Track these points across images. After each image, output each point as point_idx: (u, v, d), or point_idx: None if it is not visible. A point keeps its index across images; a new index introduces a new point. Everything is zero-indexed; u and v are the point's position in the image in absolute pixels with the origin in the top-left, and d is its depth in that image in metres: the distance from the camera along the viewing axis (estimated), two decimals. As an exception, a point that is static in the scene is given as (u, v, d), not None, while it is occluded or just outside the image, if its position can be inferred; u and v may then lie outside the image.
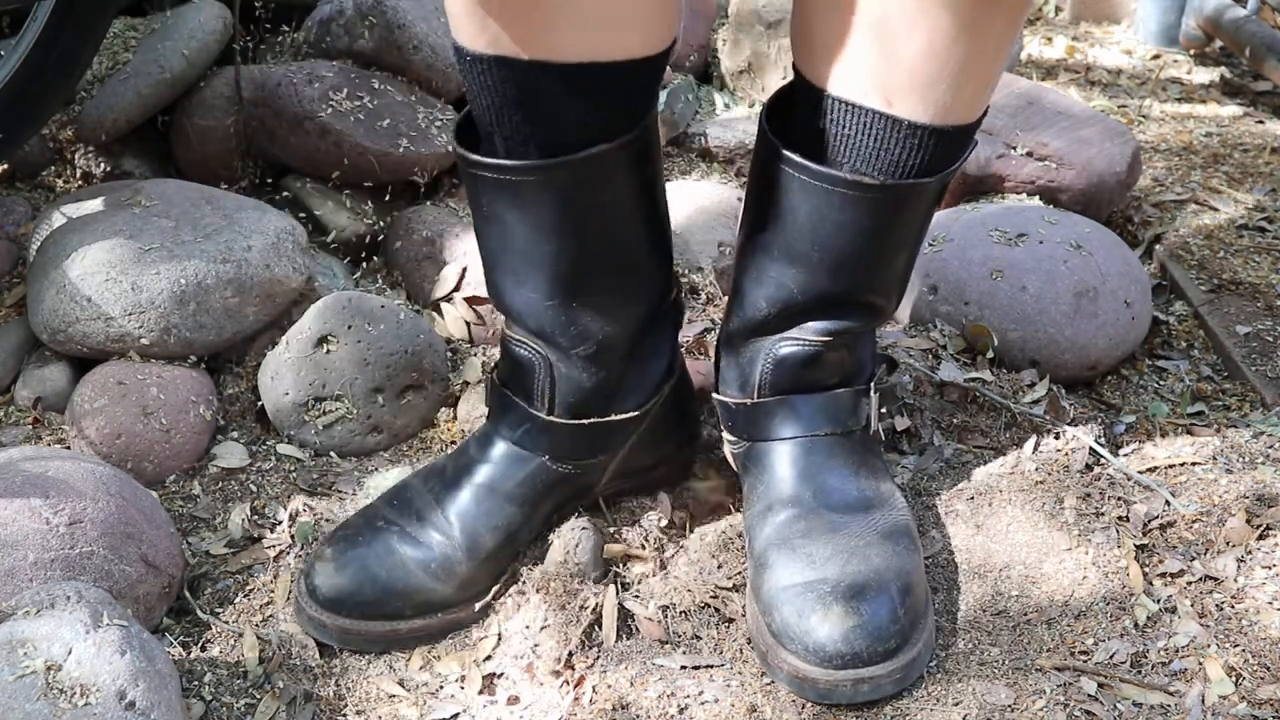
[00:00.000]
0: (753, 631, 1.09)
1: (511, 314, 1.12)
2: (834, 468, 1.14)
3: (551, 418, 1.14)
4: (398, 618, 1.12)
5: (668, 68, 1.44)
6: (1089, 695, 1.02)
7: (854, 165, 1.04)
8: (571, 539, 1.15)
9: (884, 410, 1.19)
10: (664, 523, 1.22)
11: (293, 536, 1.25)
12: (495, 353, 1.50)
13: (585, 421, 1.15)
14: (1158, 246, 1.80)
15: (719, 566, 1.17)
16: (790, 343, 1.14)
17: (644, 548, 1.19)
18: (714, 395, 1.21)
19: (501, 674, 1.10)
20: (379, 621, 1.12)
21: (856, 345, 1.16)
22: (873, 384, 1.17)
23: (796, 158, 1.05)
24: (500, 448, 1.16)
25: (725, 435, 1.21)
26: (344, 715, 1.08)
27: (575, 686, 1.07)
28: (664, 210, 1.14)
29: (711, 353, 1.47)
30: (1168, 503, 1.21)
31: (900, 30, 0.98)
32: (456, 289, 1.54)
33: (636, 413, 1.18)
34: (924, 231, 1.13)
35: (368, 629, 1.12)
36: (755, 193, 1.12)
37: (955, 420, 1.36)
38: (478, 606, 1.15)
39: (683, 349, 1.28)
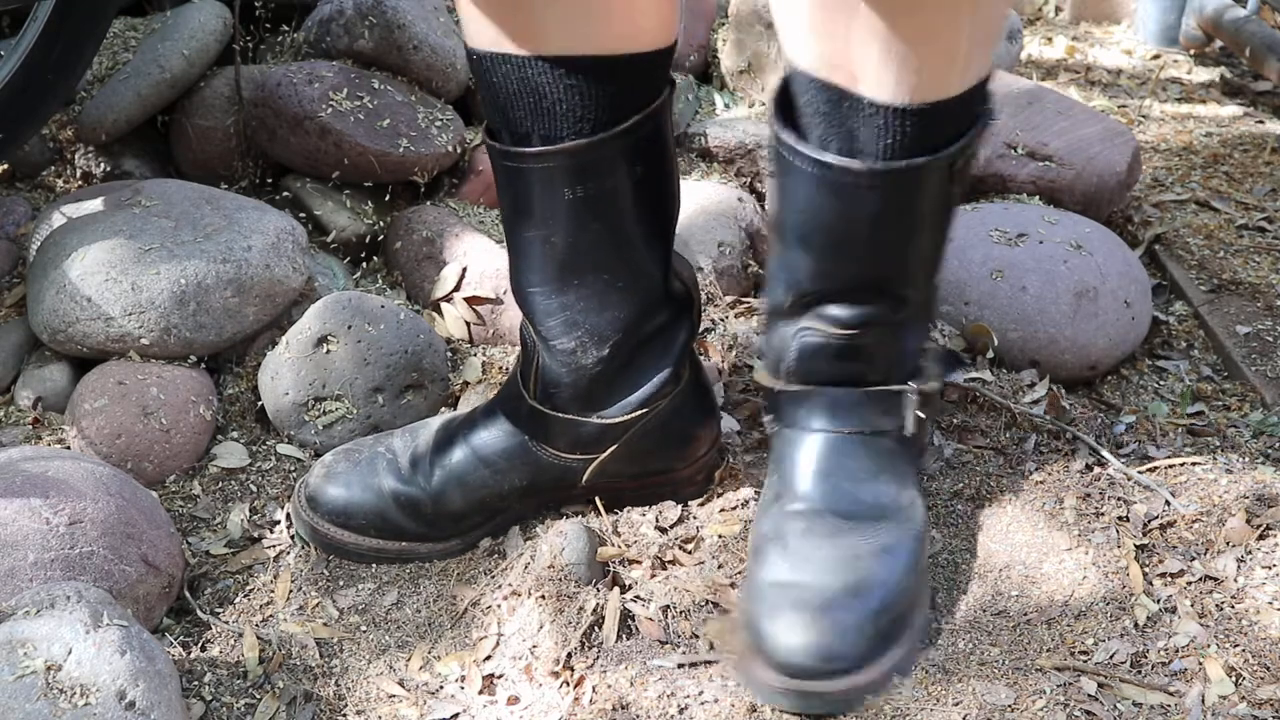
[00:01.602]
0: (739, 617, 1.10)
1: (516, 296, 1.18)
2: (853, 469, 1.13)
3: (534, 404, 1.20)
4: (362, 533, 1.21)
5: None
6: (1089, 695, 1.02)
7: (840, 147, 1.03)
8: (558, 543, 1.15)
9: (921, 415, 1.15)
10: (662, 524, 1.22)
11: (292, 537, 1.25)
12: (495, 352, 1.51)
13: (563, 416, 1.19)
14: (1158, 246, 1.80)
15: (719, 566, 1.17)
16: (812, 333, 1.13)
17: (641, 549, 1.19)
18: (754, 374, 1.22)
19: (501, 674, 1.10)
20: (346, 531, 1.21)
21: (889, 342, 1.13)
22: (910, 386, 1.14)
23: (789, 139, 1.05)
24: (495, 417, 1.22)
25: (765, 415, 1.21)
26: (344, 715, 1.08)
27: (575, 687, 1.07)
28: (652, 223, 1.15)
29: (712, 354, 1.47)
30: (1168, 503, 1.21)
31: (844, 5, 0.97)
32: (456, 289, 1.54)
33: (619, 419, 1.19)
34: (933, 220, 1.09)
35: (334, 534, 1.22)
36: (772, 179, 1.13)
37: (955, 420, 1.36)
38: (424, 550, 1.22)
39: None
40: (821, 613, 1.03)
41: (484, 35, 1.06)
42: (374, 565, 1.22)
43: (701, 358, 1.45)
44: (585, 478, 1.22)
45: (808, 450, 1.14)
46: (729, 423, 1.36)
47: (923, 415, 1.15)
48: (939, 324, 1.47)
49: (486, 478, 1.21)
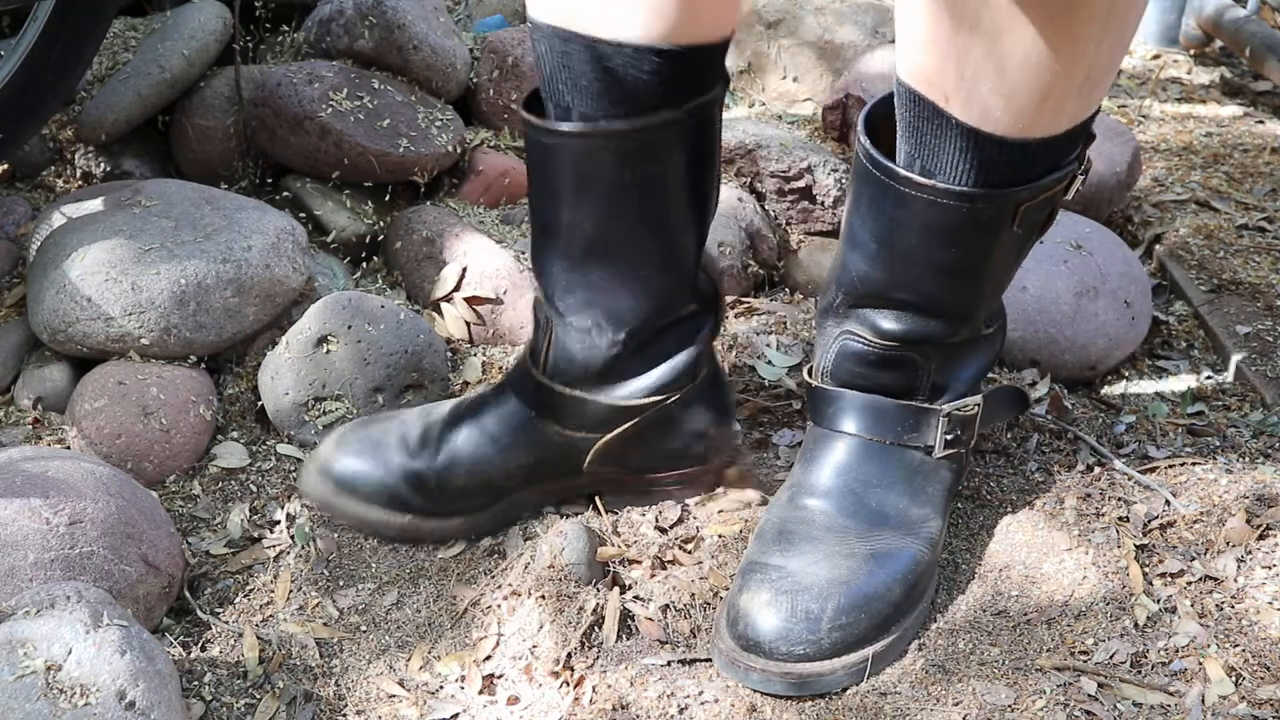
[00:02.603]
0: (729, 589, 1.11)
1: (534, 268, 1.18)
2: (868, 476, 1.14)
3: (543, 379, 1.19)
4: (369, 503, 1.22)
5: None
6: (1089, 695, 1.02)
7: (921, 164, 1.04)
8: (558, 543, 1.15)
9: (951, 437, 1.16)
10: (662, 524, 1.22)
11: (292, 537, 1.25)
12: (495, 352, 1.51)
13: (571, 392, 1.19)
14: (1158, 246, 1.80)
15: (719, 566, 1.17)
16: (854, 338, 1.14)
17: (641, 549, 1.19)
18: (804, 372, 1.24)
19: (501, 674, 1.10)
20: (354, 501, 1.22)
21: (934, 361, 1.14)
22: (941, 407, 1.15)
23: (865, 142, 1.07)
24: (504, 395, 1.22)
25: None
26: (344, 715, 1.08)
27: (575, 686, 1.07)
28: (686, 216, 1.14)
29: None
30: (1168, 503, 1.21)
31: (954, 24, 0.98)
32: (456, 289, 1.54)
33: (628, 403, 1.19)
34: (988, 254, 1.08)
35: (342, 504, 1.22)
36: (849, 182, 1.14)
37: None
38: (429, 527, 1.23)
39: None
40: (792, 597, 1.05)
41: (540, 6, 1.07)
42: (374, 565, 1.22)
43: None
44: (589, 459, 1.21)
45: (830, 450, 1.16)
46: (729, 423, 1.36)
47: (950, 438, 1.16)
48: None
49: (491, 455, 1.21)
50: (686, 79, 1.07)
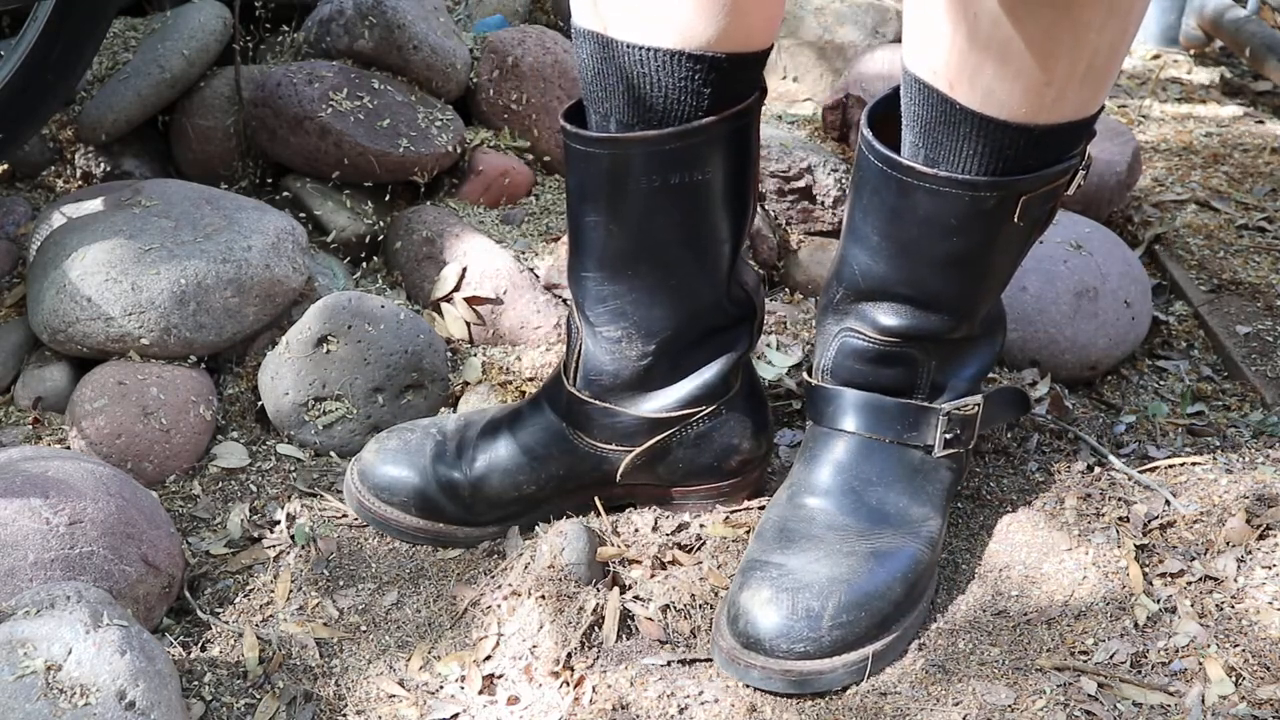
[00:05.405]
0: (729, 587, 1.11)
1: (569, 279, 1.18)
2: (869, 474, 1.14)
3: (573, 390, 1.19)
4: (404, 510, 1.23)
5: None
6: (1089, 695, 1.02)
7: (925, 154, 1.04)
8: (558, 543, 1.15)
9: (950, 436, 1.16)
10: (662, 524, 1.22)
11: (292, 537, 1.25)
12: (495, 352, 1.51)
13: (600, 404, 1.19)
14: (1158, 246, 1.80)
15: (719, 566, 1.17)
16: (854, 335, 1.14)
17: (641, 549, 1.19)
18: (803, 373, 1.23)
19: (501, 674, 1.10)
20: (390, 507, 1.23)
21: (934, 359, 1.14)
22: (941, 406, 1.15)
23: (867, 135, 1.07)
24: (539, 407, 1.23)
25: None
26: (344, 715, 1.08)
27: (575, 687, 1.07)
28: (721, 227, 1.13)
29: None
30: (1168, 503, 1.21)
31: (947, 12, 0.98)
32: (456, 289, 1.54)
33: (657, 416, 1.19)
34: (989, 245, 1.08)
35: (379, 509, 1.24)
36: (852, 178, 1.14)
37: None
38: (462, 534, 1.23)
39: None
40: (793, 595, 1.05)
41: (583, 11, 1.07)
42: (374, 565, 1.22)
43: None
44: (621, 473, 1.21)
45: (830, 449, 1.16)
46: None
47: (950, 437, 1.16)
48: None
49: (524, 465, 1.21)
50: (723, 87, 1.06)
